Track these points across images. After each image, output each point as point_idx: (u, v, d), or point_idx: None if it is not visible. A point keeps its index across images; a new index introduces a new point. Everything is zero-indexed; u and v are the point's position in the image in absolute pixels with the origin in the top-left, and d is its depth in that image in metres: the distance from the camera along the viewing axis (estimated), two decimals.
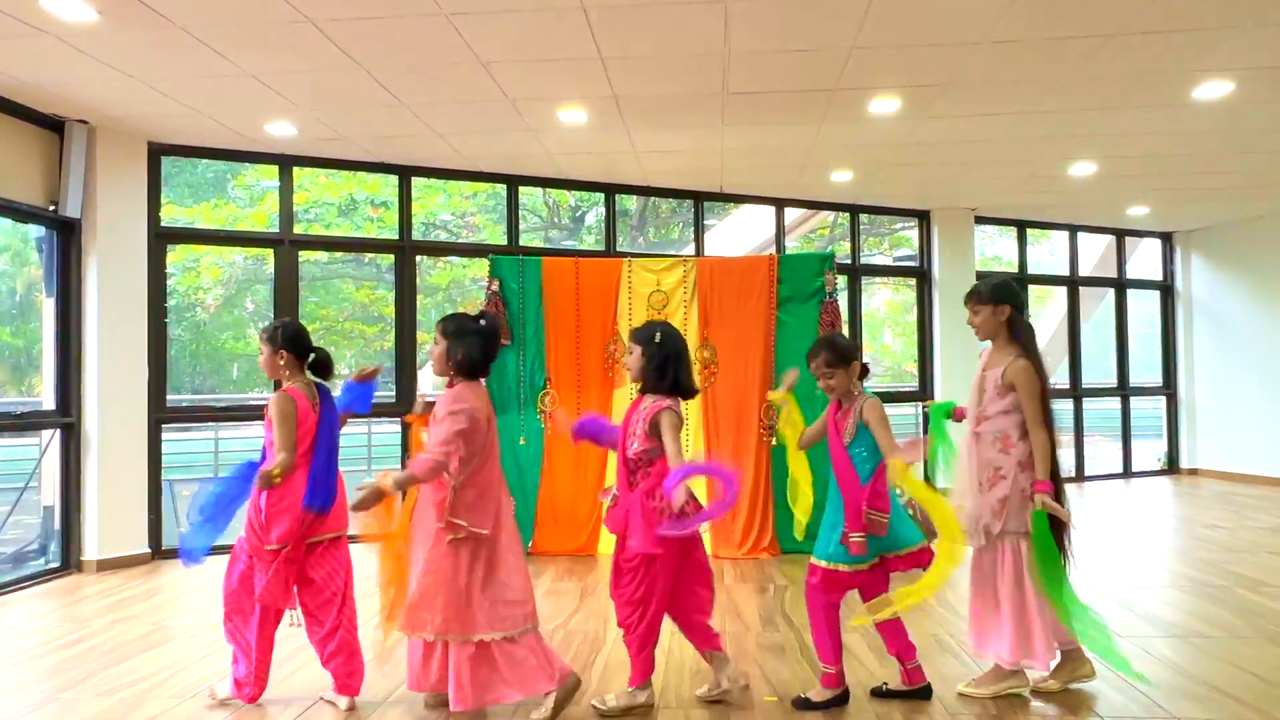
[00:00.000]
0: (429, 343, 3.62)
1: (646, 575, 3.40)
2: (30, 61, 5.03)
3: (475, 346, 3.42)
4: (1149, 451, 11.06)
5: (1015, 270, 10.38)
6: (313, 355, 3.70)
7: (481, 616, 3.31)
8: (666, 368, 3.47)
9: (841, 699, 3.52)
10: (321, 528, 3.54)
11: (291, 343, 3.66)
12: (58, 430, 6.14)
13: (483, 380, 3.55)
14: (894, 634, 3.56)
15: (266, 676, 3.62)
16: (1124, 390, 10.90)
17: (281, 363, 3.64)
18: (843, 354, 3.50)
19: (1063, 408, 10.80)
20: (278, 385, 3.69)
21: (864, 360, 3.72)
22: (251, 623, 3.55)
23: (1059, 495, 3.46)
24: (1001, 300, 3.56)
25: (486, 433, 3.42)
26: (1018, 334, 3.58)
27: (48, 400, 6.18)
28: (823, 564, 3.48)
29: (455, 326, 3.45)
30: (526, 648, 3.35)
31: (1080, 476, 10.46)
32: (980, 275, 9.96)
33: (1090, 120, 6.32)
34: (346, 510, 3.60)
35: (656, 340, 3.49)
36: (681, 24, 4.63)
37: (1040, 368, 3.53)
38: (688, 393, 3.54)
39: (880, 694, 3.58)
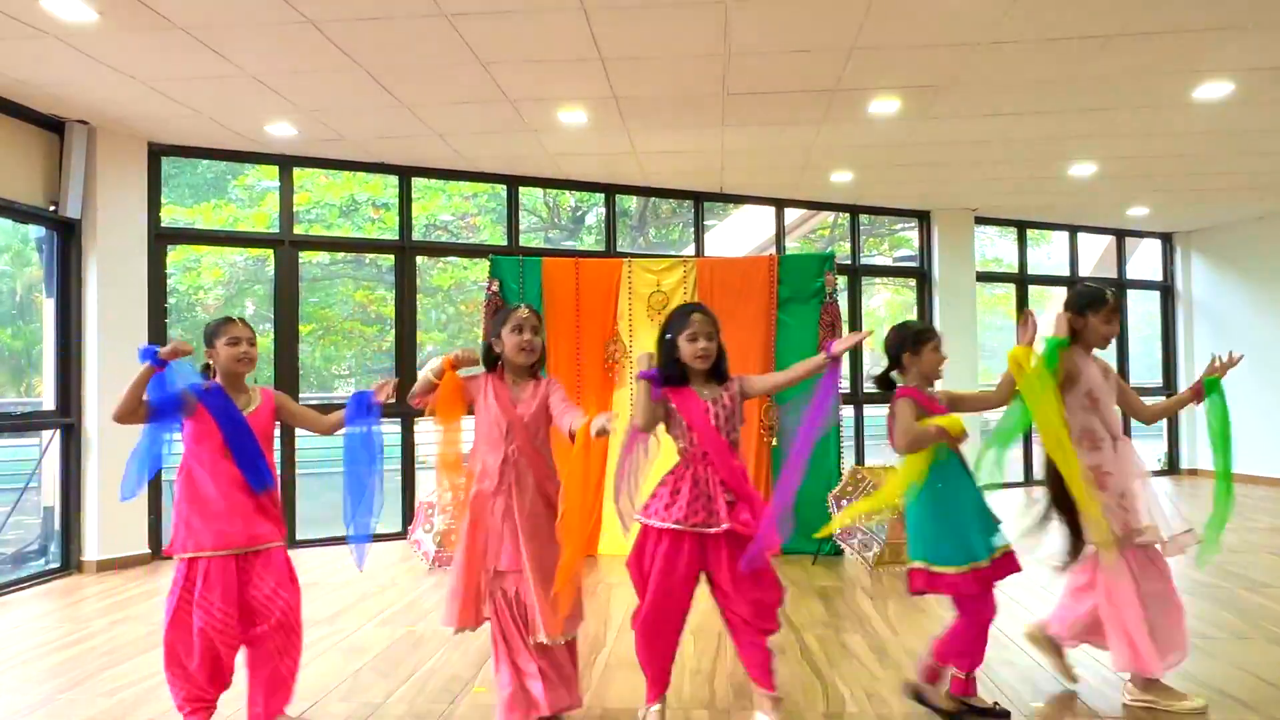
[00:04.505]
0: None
1: None
2: (30, 62, 5.04)
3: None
4: (1149, 452, 11.06)
5: (1015, 271, 10.39)
6: None
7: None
8: None
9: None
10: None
11: None
12: (58, 431, 6.15)
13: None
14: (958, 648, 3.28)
15: None
16: None
17: None
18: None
19: None
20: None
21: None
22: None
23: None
24: None
25: None
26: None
27: (48, 401, 6.18)
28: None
29: None
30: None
31: None
32: (981, 275, 9.99)
33: (1090, 120, 6.32)
34: None
35: None
36: (681, 24, 4.63)
37: None
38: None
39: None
